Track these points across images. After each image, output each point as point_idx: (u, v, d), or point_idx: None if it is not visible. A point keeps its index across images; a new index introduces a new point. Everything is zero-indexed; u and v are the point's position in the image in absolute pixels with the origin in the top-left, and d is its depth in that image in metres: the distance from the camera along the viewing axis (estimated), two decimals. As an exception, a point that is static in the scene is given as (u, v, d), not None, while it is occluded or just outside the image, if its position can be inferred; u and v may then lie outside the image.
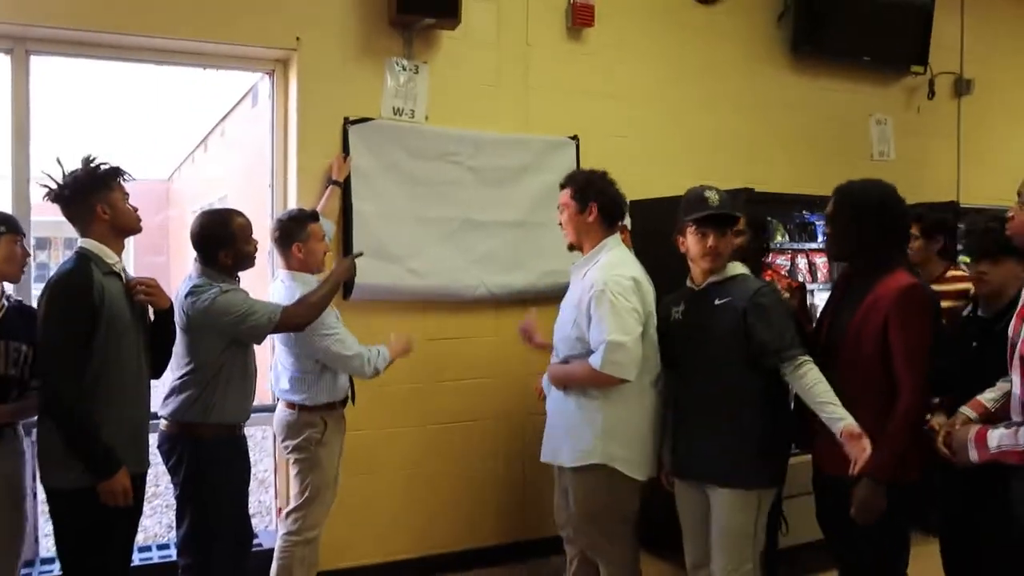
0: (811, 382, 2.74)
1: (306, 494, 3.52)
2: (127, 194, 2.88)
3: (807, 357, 2.79)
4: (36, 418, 2.81)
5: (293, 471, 3.57)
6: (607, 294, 2.98)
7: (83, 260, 2.76)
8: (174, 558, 3.59)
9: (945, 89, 5.99)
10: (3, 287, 2.93)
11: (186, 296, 3.03)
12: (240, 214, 3.19)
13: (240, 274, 3.20)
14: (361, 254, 3.57)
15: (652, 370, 3.12)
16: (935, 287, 3.50)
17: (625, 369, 2.96)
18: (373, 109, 4.15)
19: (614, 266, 3.09)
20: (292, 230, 3.49)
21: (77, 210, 2.79)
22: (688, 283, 3.08)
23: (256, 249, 3.22)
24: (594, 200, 3.15)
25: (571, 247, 3.27)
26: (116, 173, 2.84)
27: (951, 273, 3.81)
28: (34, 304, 3.11)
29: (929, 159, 5.86)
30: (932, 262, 3.83)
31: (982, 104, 6.13)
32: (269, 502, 4.46)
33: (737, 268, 3.01)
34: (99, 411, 2.71)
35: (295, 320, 3.13)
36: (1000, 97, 6.24)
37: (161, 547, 4.11)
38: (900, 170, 5.10)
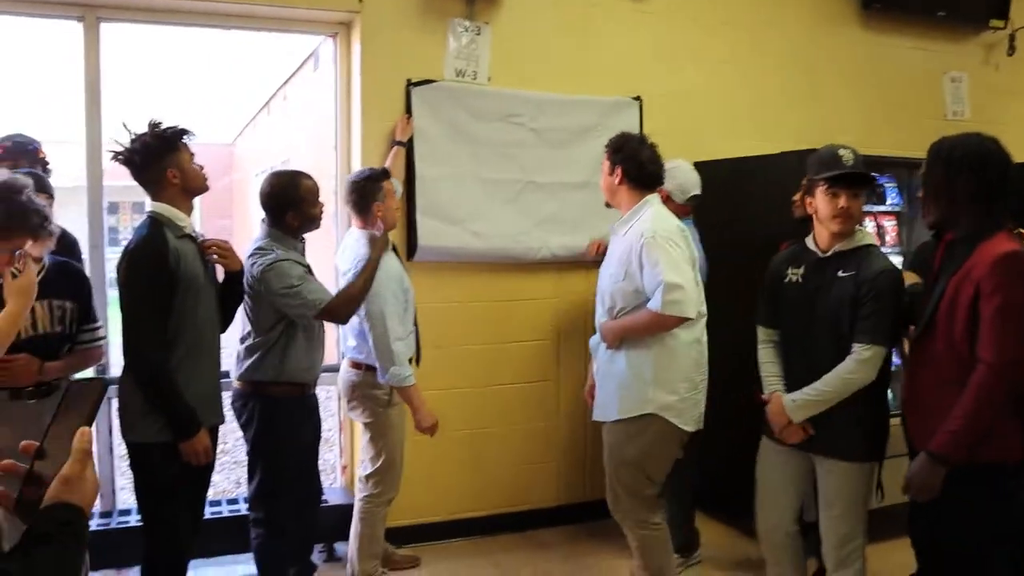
0: (837, 369, 2.81)
1: (381, 459, 3.58)
2: (193, 154, 2.93)
3: (866, 354, 2.76)
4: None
5: (364, 435, 3.63)
6: (657, 240, 3.02)
7: (156, 225, 2.83)
8: (243, 512, 3.70)
9: (1027, 44, 5.73)
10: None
11: (248, 256, 3.11)
12: (308, 177, 3.24)
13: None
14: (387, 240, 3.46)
15: (697, 321, 3.15)
16: None
17: (684, 307, 3.00)
18: (436, 71, 4.14)
19: (659, 219, 3.14)
20: (370, 191, 3.48)
21: (148, 175, 2.85)
22: (810, 245, 3.00)
23: (322, 212, 3.26)
24: (620, 164, 3.22)
25: (607, 204, 3.37)
26: (182, 134, 2.88)
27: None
28: (108, 268, 3.18)
29: (1007, 118, 5.61)
30: None
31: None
32: (334, 460, 4.56)
33: (866, 237, 2.92)
34: (179, 367, 2.81)
35: (339, 311, 3.16)
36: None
37: (231, 502, 4.23)
38: (975, 130, 4.92)
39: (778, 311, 3.08)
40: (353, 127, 4.17)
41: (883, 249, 4.52)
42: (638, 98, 4.56)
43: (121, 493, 4.26)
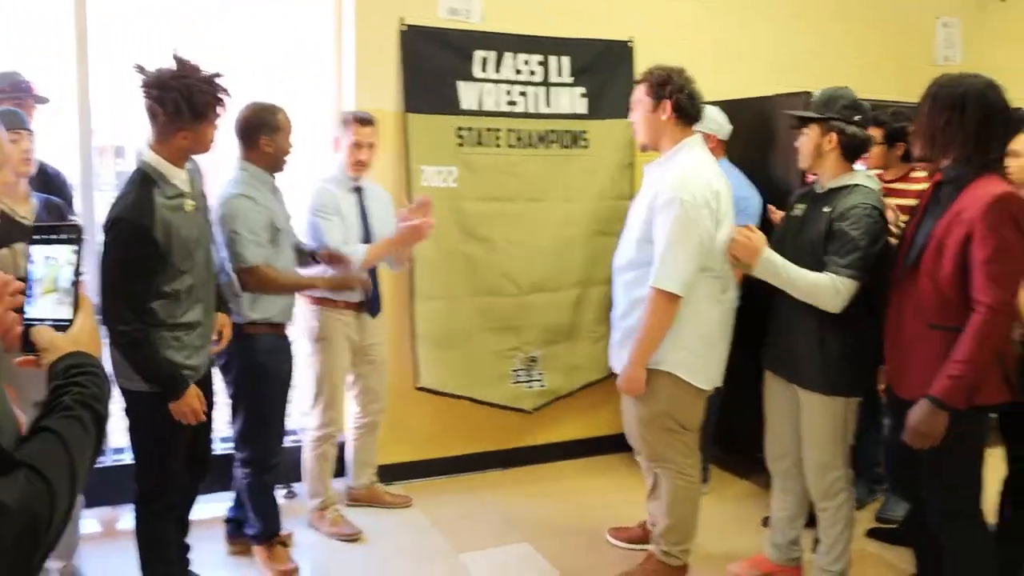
0: (815, 273, 2.84)
1: (313, 389, 3.70)
2: (217, 127, 2.75)
3: (844, 280, 2.80)
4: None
5: (306, 366, 3.71)
6: (675, 203, 2.90)
7: (145, 185, 2.64)
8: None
9: (1020, -12, 5.69)
10: (27, 187, 2.92)
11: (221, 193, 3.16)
12: (285, 111, 3.27)
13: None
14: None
15: (720, 278, 3.05)
16: (899, 186, 3.63)
17: (672, 283, 2.91)
18: (430, 10, 4.11)
19: (692, 174, 2.97)
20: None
21: (162, 128, 2.66)
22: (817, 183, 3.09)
23: (291, 151, 3.29)
24: (668, 97, 3.00)
25: (643, 147, 3.19)
26: (217, 103, 2.68)
27: (914, 175, 3.80)
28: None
29: (998, 63, 5.49)
30: (894, 165, 3.85)
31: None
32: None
33: (857, 177, 2.96)
34: (177, 324, 2.77)
35: (255, 282, 3.12)
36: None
37: (225, 440, 4.26)
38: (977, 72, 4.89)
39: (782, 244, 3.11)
40: (344, 67, 4.14)
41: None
42: (629, 40, 4.54)
43: (114, 434, 4.29)
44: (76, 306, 1.31)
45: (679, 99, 3.00)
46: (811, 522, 3.29)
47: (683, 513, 3.24)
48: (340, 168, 3.67)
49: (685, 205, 2.88)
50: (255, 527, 3.44)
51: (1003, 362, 2.55)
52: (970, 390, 2.46)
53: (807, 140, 2.98)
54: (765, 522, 3.71)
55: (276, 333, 3.28)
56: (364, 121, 3.63)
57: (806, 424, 3.04)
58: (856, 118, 2.92)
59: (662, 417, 3.12)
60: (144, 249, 2.61)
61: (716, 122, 3.95)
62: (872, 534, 3.73)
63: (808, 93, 3.98)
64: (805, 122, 2.99)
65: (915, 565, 3.05)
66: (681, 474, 3.20)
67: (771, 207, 3.64)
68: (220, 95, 2.70)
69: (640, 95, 3.08)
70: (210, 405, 3.01)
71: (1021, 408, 2.65)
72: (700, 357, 3.06)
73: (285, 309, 3.29)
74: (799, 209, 3.07)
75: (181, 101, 2.59)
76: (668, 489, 3.23)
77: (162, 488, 2.90)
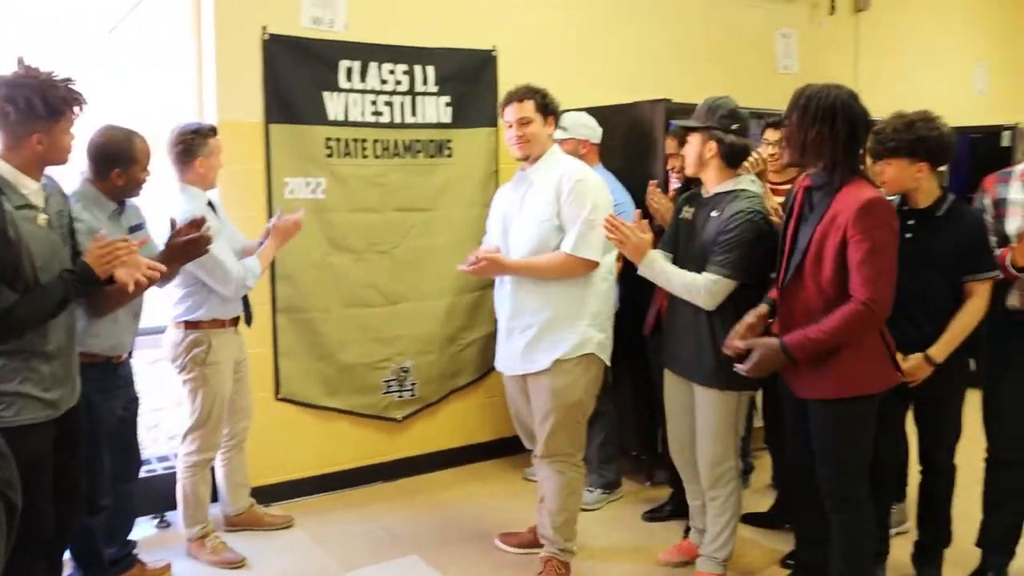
0: (692, 274, 2.99)
1: (196, 415, 3.52)
2: (73, 134, 2.58)
3: (712, 278, 2.94)
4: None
5: (184, 391, 3.54)
6: (587, 184, 3.13)
7: None
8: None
9: (846, 5, 6.17)
10: None
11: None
12: (144, 139, 3.05)
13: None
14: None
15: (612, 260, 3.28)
16: (788, 187, 3.67)
17: (597, 251, 3.11)
18: (292, 18, 4.01)
19: (580, 165, 3.29)
20: (195, 145, 3.38)
21: (12, 129, 2.46)
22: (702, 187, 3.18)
23: (147, 179, 3.09)
24: (553, 113, 3.24)
25: (526, 158, 3.25)
26: (72, 104, 2.52)
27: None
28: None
29: (829, 74, 5.90)
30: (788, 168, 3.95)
31: (879, 21, 6.33)
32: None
33: (741, 182, 3.07)
34: (35, 348, 2.52)
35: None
36: (896, 15, 6.47)
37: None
38: (802, 84, 5.24)
39: (674, 245, 3.25)
40: (205, 78, 3.99)
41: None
42: (493, 49, 4.59)
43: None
44: None
45: (557, 114, 3.29)
46: (680, 512, 3.52)
47: (575, 506, 3.36)
48: (191, 186, 3.44)
49: (594, 186, 3.16)
50: None
51: (888, 347, 2.74)
52: (815, 356, 2.66)
53: (691, 148, 3.12)
54: (648, 517, 3.85)
55: (103, 362, 3.00)
56: (215, 129, 3.50)
57: (700, 418, 3.15)
58: (734, 127, 3.04)
59: (574, 410, 3.23)
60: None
61: (589, 127, 4.05)
62: (745, 519, 3.90)
63: (667, 100, 4.17)
64: (688, 131, 3.12)
65: (795, 544, 3.22)
66: (575, 466, 3.32)
67: (653, 184, 3.77)
68: (76, 95, 2.53)
69: (529, 112, 3.19)
70: (78, 441, 2.78)
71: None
72: (609, 335, 3.28)
73: (111, 343, 3.01)
74: (688, 212, 3.18)
75: (35, 98, 2.43)
76: (561, 484, 3.29)
77: (28, 530, 2.64)
